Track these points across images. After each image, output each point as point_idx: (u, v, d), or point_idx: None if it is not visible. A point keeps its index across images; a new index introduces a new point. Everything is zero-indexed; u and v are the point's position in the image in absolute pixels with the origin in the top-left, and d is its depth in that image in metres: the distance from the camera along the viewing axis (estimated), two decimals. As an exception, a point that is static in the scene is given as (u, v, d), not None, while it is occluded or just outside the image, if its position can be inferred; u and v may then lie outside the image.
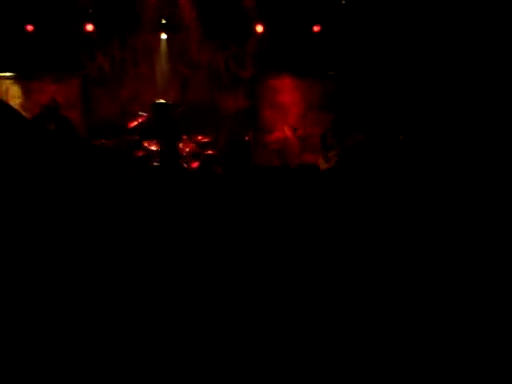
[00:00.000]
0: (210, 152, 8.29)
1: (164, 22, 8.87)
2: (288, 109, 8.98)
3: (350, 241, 3.12)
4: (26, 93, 8.89)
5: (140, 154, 7.97)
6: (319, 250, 3.01)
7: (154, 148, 7.95)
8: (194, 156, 8.15)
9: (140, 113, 8.26)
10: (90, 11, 8.63)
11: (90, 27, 8.74)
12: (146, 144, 8.03)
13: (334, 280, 2.82)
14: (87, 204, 3.13)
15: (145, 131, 8.10)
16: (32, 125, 3.53)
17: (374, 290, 2.75)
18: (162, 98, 8.57)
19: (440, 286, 2.75)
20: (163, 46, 9.03)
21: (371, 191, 3.63)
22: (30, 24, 8.65)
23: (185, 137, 8.21)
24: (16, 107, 8.10)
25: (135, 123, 8.20)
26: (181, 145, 8.07)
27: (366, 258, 2.96)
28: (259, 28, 8.88)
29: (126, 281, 2.72)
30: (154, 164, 7.70)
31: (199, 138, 8.36)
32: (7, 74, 8.87)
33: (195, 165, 8.03)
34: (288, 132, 8.60)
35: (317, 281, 2.81)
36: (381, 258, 2.95)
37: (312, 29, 8.95)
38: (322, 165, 8.20)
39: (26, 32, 8.68)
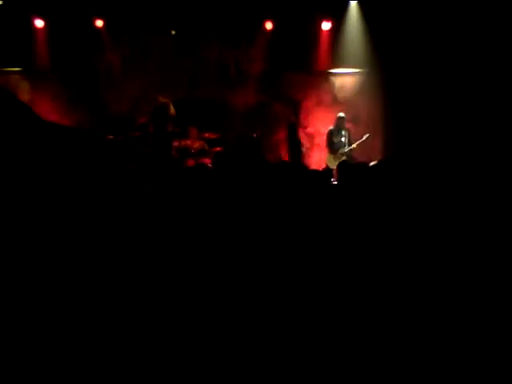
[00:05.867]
0: (218, 149, 8.28)
1: (173, 18, 8.83)
2: (297, 105, 8.96)
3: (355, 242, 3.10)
4: (35, 88, 8.90)
5: (148, 150, 7.97)
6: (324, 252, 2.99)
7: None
8: (201, 153, 8.14)
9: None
10: (100, 7, 8.62)
11: (99, 23, 8.74)
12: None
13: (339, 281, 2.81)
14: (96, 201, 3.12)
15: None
16: (41, 121, 3.52)
17: (375, 292, 2.74)
18: (170, 95, 8.46)
19: (441, 287, 2.74)
20: (172, 43, 8.99)
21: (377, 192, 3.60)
22: (40, 18, 8.66)
23: (193, 134, 8.21)
24: (25, 102, 8.17)
25: (144, 120, 8.22)
26: (189, 142, 8.07)
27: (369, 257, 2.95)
28: (269, 25, 8.86)
29: (130, 280, 2.71)
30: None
31: (207, 135, 8.36)
32: (16, 69, 8.88)
33: (203, 162, 8.02)
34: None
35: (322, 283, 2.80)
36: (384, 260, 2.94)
37: (321, 25, 8.93)
38: (330, 163, 8.17)
39: (36, 27, 8.70)
